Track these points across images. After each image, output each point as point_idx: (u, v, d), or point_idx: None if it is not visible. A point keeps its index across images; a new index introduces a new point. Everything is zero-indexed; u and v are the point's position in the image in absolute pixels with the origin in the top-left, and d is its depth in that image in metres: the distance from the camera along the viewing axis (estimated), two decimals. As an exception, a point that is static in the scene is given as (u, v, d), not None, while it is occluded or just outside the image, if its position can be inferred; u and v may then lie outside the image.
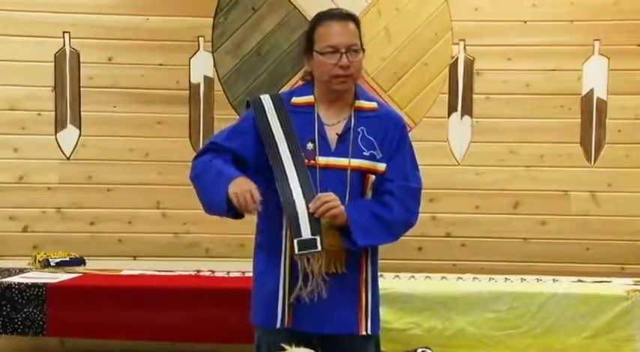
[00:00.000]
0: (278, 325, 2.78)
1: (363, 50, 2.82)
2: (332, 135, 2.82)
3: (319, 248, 2.70)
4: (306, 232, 2.70)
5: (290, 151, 2.76)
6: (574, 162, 5.08)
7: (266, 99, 2.86)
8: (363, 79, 2.96)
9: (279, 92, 3.02)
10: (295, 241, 2.70)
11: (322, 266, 2.72)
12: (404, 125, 2.94)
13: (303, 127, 2.81)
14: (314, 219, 2.71)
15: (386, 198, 2.80)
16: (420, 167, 2.94)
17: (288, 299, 2.77)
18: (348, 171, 2.79)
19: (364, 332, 2.83)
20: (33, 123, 5.05)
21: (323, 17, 2.82)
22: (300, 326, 2.77)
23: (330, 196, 2.70)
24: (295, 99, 2.87)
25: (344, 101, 2.85)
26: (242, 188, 2.66)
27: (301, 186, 2.73)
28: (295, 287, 2.74)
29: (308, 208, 2.70)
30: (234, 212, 2.73)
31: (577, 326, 4.05)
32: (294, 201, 2.71)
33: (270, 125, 2.80)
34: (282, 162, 2.75)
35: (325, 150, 2.79)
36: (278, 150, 2.77)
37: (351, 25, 2.80)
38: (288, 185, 2.72)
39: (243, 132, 2.86)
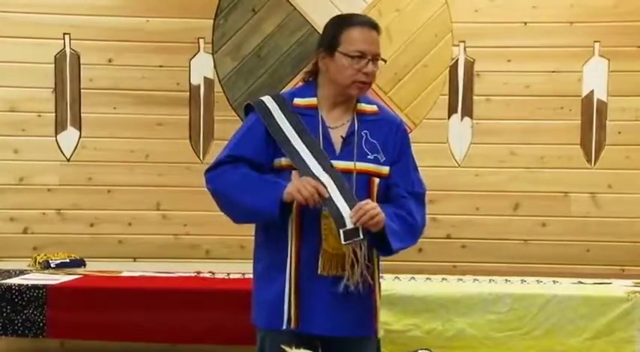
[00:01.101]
0: (284, 326, 2.77)
1: (384, 61, 2.85)
2: (336, 138, 2.81)
3: (361, 236, 2.71)
4: (349, 221, 2.70)
5: (307, 147, 2.76)
6: (574, 163, 5.08)
7: (269, 101, 2.85)
8: None
9: (280, 92, 3.01)
10: (341, 232, 2.69)
11: (365, 256, 2.73)
12: (405, 129, 2.96)
13: (308, 130, 2.80)
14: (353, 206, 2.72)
15: (403, 202, 2.82)
16: (420, 169, 2.96)
17: (295, 300, 2.77)
18: (354, 175, 2.79)
19: (369, 334, 2.84)
20: (33, 124, 5.05)
21: (354, 21, 2.83)
22: (305, 328, 2.77)
23: (370, 204, 2.70)
24: (297, 101, 2.85)
25: (347, 104, 2.85)
26: (300, 184, 2.68)
27: (332, 177, 2.72)
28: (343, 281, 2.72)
29: (345, 198, 2.70)
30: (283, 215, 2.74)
31: (577, 328, 4.05)
32: (329, 193, 2.70)
33: (279, 125, 2.79)
34: (303, 160, 2.74)
35: (330, 154, 2.78)
36: (296, 149, 2.76)
37: (377, 35, 2.83)
38: (317, 178, 2.71)
39: (251, 137, 2.82)
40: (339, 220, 2.70)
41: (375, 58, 2.80)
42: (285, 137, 2.77)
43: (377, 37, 2.82)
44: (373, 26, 2.83)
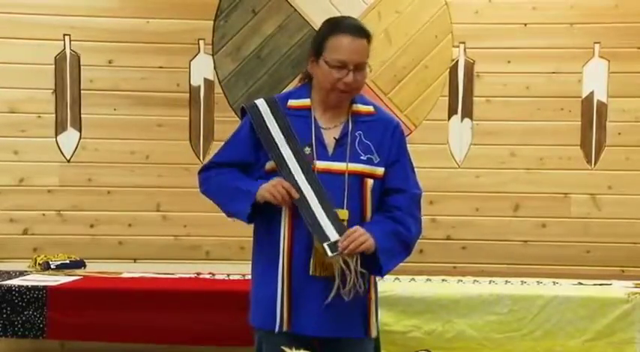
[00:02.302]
0: (277, 328, 2.78)
1: (369, 67, 2.84)
2: (329, 139, 2.82)
3: None
4: (332, 234, 2.70)
5: (294, 154, 2.76)
6: (574, 164, 5.08)
7: (261, 104, 2.86)
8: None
9: (276, 95, 3.01)
10: (325, 245, 2.69)
11: (358, 262, 2.72)
12: (401, 129, 2.93)
13: (300, 131, 2.81)
14: (336, 219, 2.71)
15: (399, 215, 2.81)
16: (419, 170, 2.95)
17: (287, 301, 2.77)
18: (346, 176, 2.78)
19: (364, 336, 2.83)
20: (33, 125, 5.05)
21: (340, 28, 2.79)
22: (299, 330, 2.77)
23: (358, 231, 2.70)
24: (292, 102, 2.87)
25: (340, 107, 2.85)
26: (272, 185, 2.71)
27: (313, 189, 2.73)
28: (333, 291, 2.72)
29: (325, 211, 2.70)
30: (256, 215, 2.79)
31: (577, 329, 4.05)
32: (311, 207, 2.71)
33: (269, 129, 2.81)
34: (287, 166, 2.75)
35: (323, 155, 2.79)
36: (282, 154, 2.77)
37: (364, 43, 2.78)
38: (301, 190, 2.72)
39: (240, 142, 2.87)
40: (322, 235, 2.70)
41: (359, 67, 2.77)
42: (273, 142, 2.79)
43: (362, 46, 2.77)
44: (360, 34, 2.78)
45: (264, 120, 2.82)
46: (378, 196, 2.83)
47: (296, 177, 2.73)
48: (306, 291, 2.75)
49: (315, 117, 2.83)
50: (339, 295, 2.72)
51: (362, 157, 2.81)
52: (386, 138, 2.85)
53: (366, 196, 2.80)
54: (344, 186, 2.77)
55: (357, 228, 2.72)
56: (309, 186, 2.73)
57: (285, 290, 2.77)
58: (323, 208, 2.72)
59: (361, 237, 2.69)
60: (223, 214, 2.93)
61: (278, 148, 2.78)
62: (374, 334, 2.86)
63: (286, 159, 2.76)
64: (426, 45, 5.11)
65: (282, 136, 2.79)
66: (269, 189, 2.71)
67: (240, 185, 2.80)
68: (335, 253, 2.69)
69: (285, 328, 2.77)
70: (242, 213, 2.77)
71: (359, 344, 2.86)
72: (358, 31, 2.79)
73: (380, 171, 2.83)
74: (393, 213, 2.82)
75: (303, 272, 2.75)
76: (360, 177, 2.80)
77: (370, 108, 2.90)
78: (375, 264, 2.76)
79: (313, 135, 2.80)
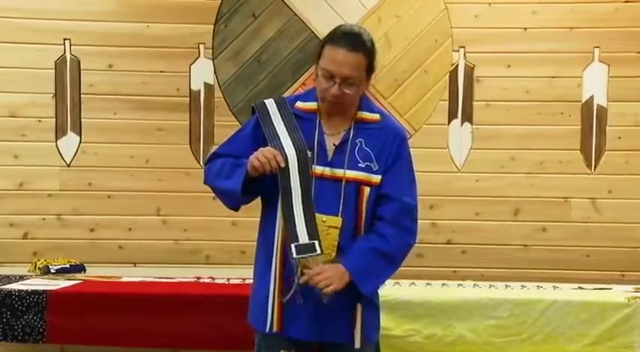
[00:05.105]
0: (267, 329, 2.77)
1: (369, 76, 2.80)
2: (330, 144, 2.82)
3: (319, 251, 2.69)
4: (303, 236, 2.70)
5: (293, 143, 2.76)
6: (574, 168, 5.08)
7: (270, 103, 2.87)
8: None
9: (286, 96, 3.01)
10: (292, 246, 2.69)
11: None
12: (404, 138, 2.91)
13: (305, 134, 2.80)
14: (311, 223, 2.71)
15: (380, 227, 2.79)
16: (419, 174, 2.94)
17: (278, 303, 2.76)
18: (343, 183, 2.78)
19: (356, 342, 2.81)
20: (33, 129, 5.05)
21: (335, 38, 2.78)
22: (290, 333, 2.77)
23: (324, 274, 2.68)
24: (299, 104, 2.87)
25: (345, 112, 2.85)
26: (259, 151, 2.70)
27: (301, 184, 2.72)
28: (291, 291, 2.72)
29: (304, 210, 2.70)
30: (251, 190, 2.77)
31: (577, 334, 4.05)
32: (292, 200, 2.71)
33: (273, 123, 2.81)
34: (286, 159, 2.74)
35: (322, 160, 2.79)
36: (282, 144, 2.76)
37: (358, 57, 2.74)
38: (290, 187, 2.71)
39: (243, 138, 2.89)
40: (292, 233, 2.70)
41: (347, 80, 2.74)
42: (275, 132, 2.79)
43: (354, 60, 2.73)
44: (354, 48, 2.74)
45: (270, 117, 2.82)
46: (373, 204, 2.82)
47: (290, 167, 2.72)
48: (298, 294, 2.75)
49: (319, 122, 2.83)
50: (324, 300, 2.70)
51: (360, 165, 2.80)
52: (387, 146, 2.83)
53: (361, 205, 2.79)
54: (340, 193, 2.76)
55: (324, 267, 2.69)
56: (298, 180, 2.72)
57: (276, 292, 2.77)
58: (303, 206, 2.71)
59: (324, 282, 2.67)
60: (223, 218, 2.93)
61: (279, 138, 2.77)
62: (357, 344, 2.81)
63: (285, 147, 2.75)
64: (426, 49, 5.11)
65: (284, 128, 2.78)
66: (256, 155, 2.70)
67: (237, 162, 2.80)
68: (299, 256, 2.69)
69: (275, 329, 2.76)
70: (236, 184, 2.74)
71: (356, 349, 2.84)
72: (352, 44, 2.75)
73: (377, 178, 2.81)
74: (376, 226, 2.80)
75: (294, 275, 2.74)
76: (357, 185, 2.79)
77: (376, 116, 2.88)
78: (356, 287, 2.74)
79: (315, 139, 2.80)
